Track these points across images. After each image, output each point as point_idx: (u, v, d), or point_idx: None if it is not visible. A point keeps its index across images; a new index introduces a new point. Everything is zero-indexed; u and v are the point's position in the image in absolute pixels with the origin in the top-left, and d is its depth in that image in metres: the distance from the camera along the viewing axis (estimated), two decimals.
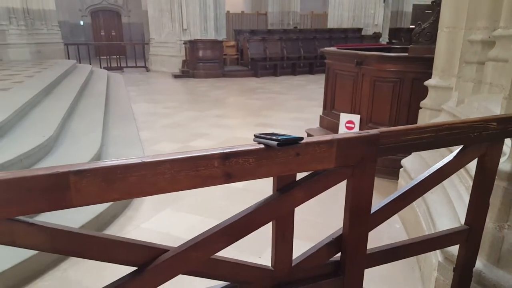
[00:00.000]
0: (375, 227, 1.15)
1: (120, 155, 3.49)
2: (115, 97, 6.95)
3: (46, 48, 11.24)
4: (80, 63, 11.86)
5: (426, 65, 2.84)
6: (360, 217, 1.10)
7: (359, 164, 1.03)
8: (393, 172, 3.08)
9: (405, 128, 1.11)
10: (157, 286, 0.90)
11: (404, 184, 2.74)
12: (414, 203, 2.43)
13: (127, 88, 8.97)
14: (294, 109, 7.08)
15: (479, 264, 1.46)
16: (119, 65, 13.69)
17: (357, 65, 3.71)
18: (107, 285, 0.86)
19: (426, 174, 1.20)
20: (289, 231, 1.04)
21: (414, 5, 18.61)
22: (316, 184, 1.02)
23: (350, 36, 14.57)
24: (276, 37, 13.66)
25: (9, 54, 10.41)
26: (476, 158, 1.28)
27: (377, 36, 14.84)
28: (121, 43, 17.41)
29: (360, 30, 15.17)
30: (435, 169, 1.21)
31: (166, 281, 0.90)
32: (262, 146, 0.91)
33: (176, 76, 12.01)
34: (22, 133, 3.33)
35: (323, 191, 1.04)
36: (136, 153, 3.66)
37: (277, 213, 1.00)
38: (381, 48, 4.69)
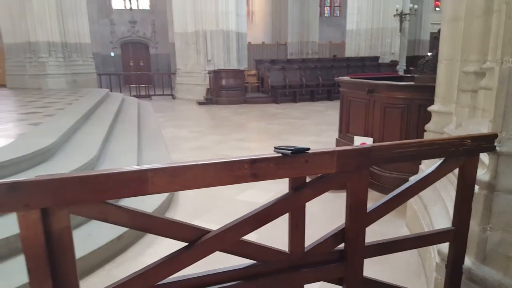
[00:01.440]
0: (371, 223, 1.44)
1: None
2: (146, 122, 7.48)
3: (81, 77, 12.09)
4: (111, 91, 12.62)
5: (430, 93, 3.12)
6: (358, 214, 1.39)
7: (355, 170, 1.34)
8: None
9: (393, 143, 1.41)
10: (201, 258, 1.21)
11: (412, 200, 2.98)
12: (419, 215, 2.67)
13: (155, 114, 9.54)
14: (312, 133, 7.40)
15: (468, 262, 1.70)
16: (147, 93, 14.46)
17: (368, 92, 4.03)
18: (169, 255, 1.18)
19: (413, 181, 1.49)
20: (302, 222, 1.34)
21: (431, 33, 18.95)
22: (322, 185, 1.33)
23: (368, 64, 14.95)
24: (295, 66, 14.21)
25: (48, 83, 11.25)
26: (458, 169, 1.56)
27: (394, 64, 15.16)
28: (149, 73, 18.32)
29: (377, 58, 15.54)
30: (421, 177, 1.50)
31: (208, 255, 1.22)
32: (279, 154, 1.23)
33: (200, 103, 12.59)
34: (69, 154, 3.76)
35: (328, 190, 1.35)
36: None
37: (291, 206, 1.31)
38: (393, 77, 5.00)
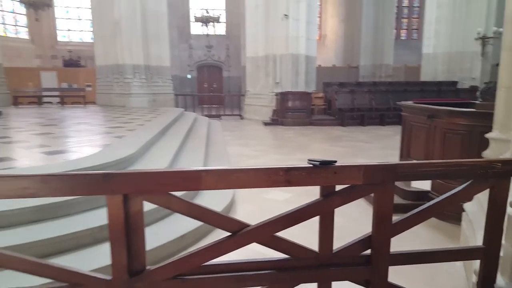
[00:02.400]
0: (397, 234, 1.58)
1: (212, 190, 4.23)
2: (213, 139, 8.05)
3: (160, 97, 13.27)
4: (186, 110, 13.62)
5: (492, 120, 3.09)
6: (383, 224, 1.55)
7: (381, 184, 1.51)
8: (457, 217, 3.27)
9: (420, 162, 1.56)
10: (241, 247, 1.46)
11: (465, 226, 2.96)
12: (469, 240, 2.66)
13: (223, 133, 10.14)
14: (377, 157, 7.33)
15: (501, 281, 1.74)
16: (217, 113, 15.33)
17: (429, 118, 4.04)
18: (216, 241, 1.46)
19: (439, 198, 1.61)
20: (330, 226, 1.54)
21: None
22: (349, 194, 1.52)
23: (444, 89, 14.31)
24: (364, 89, 14.12)
25: (131, 101, 12.53)
26: (488, 190, 1.64)
27: (473, 89, 14.31)
28: (220, 94, 19.39)
29: (455, 83, 14.83)
30: (448, 195, 1.61)
31: (246, 244, 1.47)
32: (311, 165, 1.46)
33: (266, 124, 13.03)
34: (145, 163, 4.29)
35: (355, 200, 1.54)
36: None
37: (321, 211, 1.52)
38: (459, 103, 4.90)
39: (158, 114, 9.38)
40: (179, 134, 6.66)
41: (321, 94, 15.34)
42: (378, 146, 8.57)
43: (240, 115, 15.35)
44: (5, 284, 2.04)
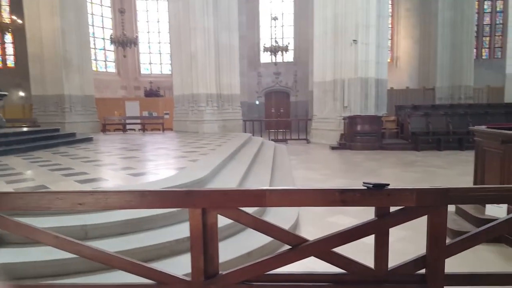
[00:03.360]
0: (452, 255, 1.65)
1: (279, 211, 4.41)
2: (279, 163, 8.30)
3: (229, 123, 13.96)
4: (253, 135, 14.13)
5: None
6: (437, 245, 1.63)
7: (433, 206, 1.60)
8: None
9: (471, 187, 1.63)
10: (300, 259, 1.64)
11: None
12: None
13: (289, 157, 10.36)
14: (452, 183, 6.94)
15: None
16: (284, 137, 15.63)
17: (502, 143, 3.87)
18: (278, 252, 1.65)
19: (494, 222, 1.64)
20: (386, 244, 1.66)
21: None
22: (403, 215, 1.64)
23: None
24: (440, 112, 13.52)
25: (204, 128, 13.35)
26: None
27: None
28: (287, 119, 19.75)
29: None
30: (504, 219, 1.64)
31: (305, 257, 1.64)
32: (365, 187, 1.61)
33: (333, 148, 12.99)
34: (217, 185, 4.64)
35: (408, 221, 1.65)
36: (292, 209, 4.56)
37: (376, 230, 1.65)
38: None
39: (228, 139, 9.92)
40: (246, 158, 7.02)
41: (392, 118, 14.94)
42: (454, 173, 8.13)
43: (306, 140, 15.48)
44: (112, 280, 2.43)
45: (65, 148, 8.82)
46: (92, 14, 21.44)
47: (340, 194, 1.59)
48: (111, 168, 5.68)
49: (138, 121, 16.79)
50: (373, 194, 1.59)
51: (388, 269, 1.66)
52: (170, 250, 3.05)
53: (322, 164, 9.55)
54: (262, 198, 1.60)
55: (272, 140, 14.67)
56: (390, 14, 24.29)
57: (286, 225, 3.98)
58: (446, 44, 20.05)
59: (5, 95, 10.60)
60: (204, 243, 1.61)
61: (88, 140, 10.70)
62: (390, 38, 24.60)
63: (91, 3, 21.23)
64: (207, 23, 13.37)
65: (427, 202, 1.59)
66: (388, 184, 1.60)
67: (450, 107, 14.24)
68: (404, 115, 14.00)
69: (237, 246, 3.31)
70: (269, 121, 20.01)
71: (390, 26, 24.42)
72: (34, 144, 8.64)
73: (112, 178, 4.82)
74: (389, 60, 24.23)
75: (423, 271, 1.67)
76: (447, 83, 20.54)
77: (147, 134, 14.38)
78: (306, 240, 1.65)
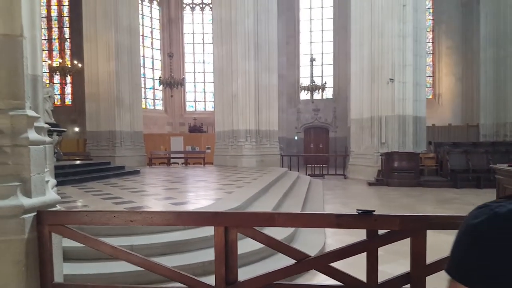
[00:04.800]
0: (431, 273, 1.93)
1: (307, 239, 4.71)
2: (312, 197, 8.56)
3: (267, 158, 14.45)
4: (290, 169, 14.48)
5: None
6: (419, 264, 1.93)
7: (415, 230, 1.92)
8: None
9: (450, 215, 1.93)
10: (304, 271, 1.99)
11: None
12: None
13: (324, 191, 10.56)
14: None
15: None
16: (321, 172, 15.81)
17: None
18: (285, 265, 2.02)
19: None
20: (375, 261, 1.98)
21: None
22: (389, 238, 1.96)
23: None
24: (481, 149, 13.23)
25: (242, 162, 13.92)
26: None
27: None
28: (324, 155, 19.96)
29: None
30: None
31: (307, 270, 1.99)
32: (356, 213, 1.96)
33: (370, 184, 13.00)
34: None
35: (394, 242, 1.96)
36: (319, 238, 4.83)
37: (367, 248, 1.98)
38: None
39: (264, 173, 10.37)
40: (279, 191, 7.39)
41: (432, 155, 14.76)
42: None
43: (344, 175, 15.56)
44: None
45: (115, 179, 9.64)
46: (143, 56, 23.31)
47: (336, 218, 1.96)
48: (155, 198, 6.27)
49: (182, 155, 17.72)
50: (363, 219, 1.94)
51: (378, 283, 1.97)
52: (202, 270, 3.45)
53: (356, 199, 9.66)
54: (272, 220, 2.00)
55: (309, 175, 14.90)
56: (431, 52, 24.36)
57: (314, 251, 4.26)
58: (489, 81, 19.66)
59: (64, 131, 11.80)
60: (226, 255, 2.02)
61: (136, 172, 11.56)
62: (431, 75, 24.53)
63: (143, 46, 23.14)
64: (248, 66, 14.28)
65: (409, 227, 1.91)
66: (374, 211, 1.94)
67: (492, 145, 13.90)
68: (443, 152, 13.81)
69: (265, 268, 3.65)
70: (306, 156, 20.29)
71: (431, 63, 24.43)
72: (88, 175, 9.54)
73: (155, 206, 5.37)
74: (430, 97, 24.06)
75: (407, 286, 1.96)
76: (491, 120, 19.93)
77: (189, 167, 15.16)
78: (308, 256, 2.00)
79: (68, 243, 2.65)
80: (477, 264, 0.86)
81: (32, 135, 2.21)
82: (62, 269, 2.43)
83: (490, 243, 0.84)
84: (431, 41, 24.35)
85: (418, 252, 1.91)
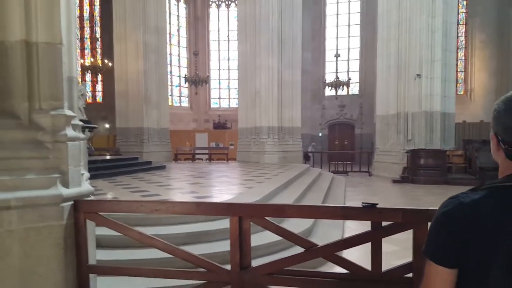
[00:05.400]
0: None
1: (326, 233, 4.84)
2: (333, 194, 8.66)
3: (289, 154, 14.58)
4: (313, 166, 14.56)
5: None
6: (420, 254, 2.04)
7: (416, 222, 2.04)
8: None
9: None
10: (311, 259, 2.16)
11: None
12: None
13: (346, 188, 10.61)
14: None
15: None
16: (345, 169, 15.79)
17: None
18: (294, 254, 2.19)
19: None
20: (379, 251, 2.11)
21: None
22: (392, 229, 2.09)
23: None
24: None
25: (264, 158, 14.12)
26: None
27: None
28: (347, 152, 19.87)
29: None
30: None
31: (315, 258, 2.16)
32: (361, 206, 2.10)
33: (395, 181, 12.91)
34: None
35: (397, 233, 2.09)
36: (336, 233, 4.96)
37: (371, 239, 2.12)
38: None
39: (285, 170, 10.53)
40: (300, 187, 7.54)
41: (460, 152, 14.48)
42: None
43: (368, 172, 15.48)
44: None
45: (142, 174, 10.05)
46: (170, 54, 23.86)
47: (341, 210, 2.11)
48: (179, 191, 6.57)
49: (206, 151, 18.11)
50: (367, 211, 2.07)
51: (382, 272, 2.10)
52: (221, 258, 3.65)
53: (379, 197, 9.67)
54: (283, 211, 2.17)
55: (332, 171, 14.93)
56: (464, 46, 23.67)
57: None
58: None
59: (95, 127, 12.34)
60: (240, 243, 2.21)
61: (162, 167, 11.97)
62: (463, 70, 23.85)
63: (170, 44, 23.67)
64: (271, 62, 14.42)
65: (411, 219, 2.04)
66: (377, 204, 2.08)
67: None
68: (472, 150, 13.53)
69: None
70: (330, 153, 20.25)
71: (463, 58, 23.75)
72: (117, 170, 9.99)
73: (179, 199, 5.64)
74: (462, 93, 23.42)
75: (410, 274, 2.08)
76: None
77: (213, 163, 15.50)
78: (316, 245, 2.17)
79: (100, 231, 2.93)
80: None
81: (70, 132, 2.47)
82: (95, 253, 2.69)
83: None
84: (463, 35, 23.65)
85: (420, 243, 2.03)
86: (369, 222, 2.10)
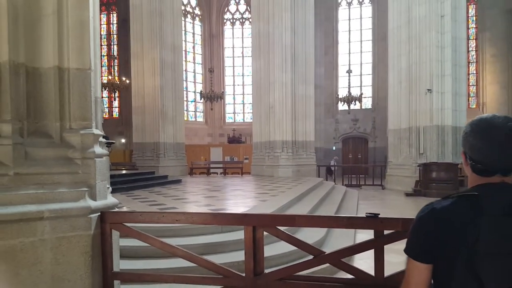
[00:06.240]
0: None
1: (337, 244, 4.97)
2: (346, 207, 8.76)
3: (303, 168, 14.72)
4: (327, 180, 14.64)
5: None
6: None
7: None
8: None
9: None
10: (320, 265, 2.33)
11: None
12: None
13: (359, 201, 10.67)
14: None
15: None
16: (358, 182, 15.82)
17: None
18: (303, 260, 2.37)
19: None
20: (382, 257, 2.27)
21: None
22: (393, 237, 2.26)
23: None
24: None
25: (278, 172, 14.28)
26: None
27: None
28: (361, 165, 19.87)
29: None
30: None
31: (323, 264, 2.33)
32: (365, 216, 2.28)
33: (407, 195, 12.88)
34: None
35: (398, 241, 2.25)
36: (348, 243, 5.07)
37: (374, 246, 2.28)
38: None
39: (299, 183, 10.68)
40: (312, 201, 7.68)
41: None
42: None
43: (382, 185, 15.47)
44: None
45: (159, 188, 10.33)
46: (186, 71, 24.45)
47: (347, 220, 2.29)
48: (195, 204, 6.79)
49: (221, 165, 18.37)
50: (370, 221, 2.25)
51: (385, 277, 2.26)
52: (237, 268, 3.83)
53: (391, 210, 9.70)
54: (293, 220, 2.36)
55: (345, 185, 14.97)
56: (475, 61, 23.66)
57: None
58: None
59: (113, 142, 12.74)
60: (253, 250, 2.39)
61: (178, 181, 12.25)
62: (475, 84, 23.77)
63: (186, 61, 24.28)
64: (285, 77, 14.72)
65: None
66: (379, 214, 2.25)
67: None
68: None
69: None
70: (343, 166, 20.27)
71: (474, 72, 23.71)
72: (134, 184, 10.28)
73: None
74: (474, 106, 23.29)
75: None
76: None
77: (227, 177, 15.73)
78: (323, 252, 2.34)
79: (123, 242, 3.15)
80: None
81: (97, 149, 2.72)
82: (119, 261, 2.91)
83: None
84: (474, 49, 23.69)
85: None
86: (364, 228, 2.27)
